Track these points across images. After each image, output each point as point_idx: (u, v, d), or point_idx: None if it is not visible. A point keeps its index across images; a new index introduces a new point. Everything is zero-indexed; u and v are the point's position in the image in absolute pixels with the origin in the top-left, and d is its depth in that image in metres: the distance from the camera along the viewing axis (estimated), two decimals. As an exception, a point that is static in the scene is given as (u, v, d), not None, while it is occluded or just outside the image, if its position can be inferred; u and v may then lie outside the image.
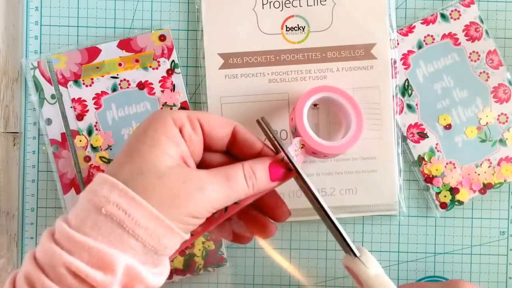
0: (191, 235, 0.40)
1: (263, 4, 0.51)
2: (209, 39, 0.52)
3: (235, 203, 0.40)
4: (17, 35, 0.53)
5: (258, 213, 0.44)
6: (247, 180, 0.39)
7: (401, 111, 0.52)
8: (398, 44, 0.52)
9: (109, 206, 0.35)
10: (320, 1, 0.52)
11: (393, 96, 0.51)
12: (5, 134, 0.54)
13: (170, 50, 0.52)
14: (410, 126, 0.52)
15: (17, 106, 0.53)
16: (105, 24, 0.53)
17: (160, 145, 0.37)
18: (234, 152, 0.42)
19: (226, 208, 0.41)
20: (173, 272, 0.52)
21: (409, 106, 0.52)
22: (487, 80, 0.52)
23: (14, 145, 0.54)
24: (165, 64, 0.52)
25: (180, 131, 0.39)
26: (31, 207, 0.53)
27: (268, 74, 0.51)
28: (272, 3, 0.52)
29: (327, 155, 0.47)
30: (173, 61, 0.52)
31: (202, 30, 0.52)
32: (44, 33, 0.53)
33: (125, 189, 0.36)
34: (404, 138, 0.52)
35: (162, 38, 0.52)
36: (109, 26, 0.52)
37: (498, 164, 0.52)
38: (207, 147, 0.41)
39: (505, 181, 0.52)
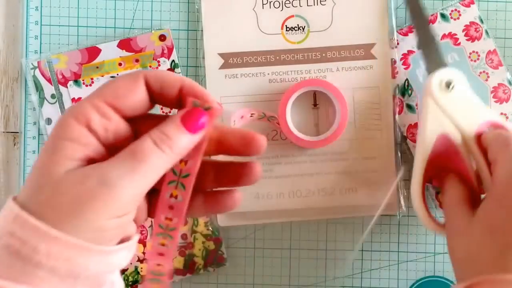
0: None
1: (263, 4, 0.52)
2: (209, 39, 0.52)
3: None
4: (17, 35, 0.53)
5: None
6: (159, 145, 0.32)
7: (401, 111, 0.52)
8: (398, 44, 0.52)
9: (5, 236, 0.30)
10: (320, 1, 0.52)
11: (393, 96, 0.51)
12: (5, 134, 0.54)
13: (170, 50, 0.52)
14: (410, 126, 0.52)
15: (17, 105, 0.53)
16: (105, 24, 0.53)
17: (60, 151, 0.32)
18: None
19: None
20: (173, 272, 0.52)
21: (409, 106, 0.52)
22: (486, 80, 0.52)
23: (14, 144, 0.54)
24: (165, 64, 0.52)
25: (89, 127, 0.33)
26: (31, 207, 0.52)
27: (268, 74, 0.52)
28: (272, 3, 0.52)
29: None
30: (173, 61, 0.52)
31: (202, 30, 0.52)
32: (44, 32, 0.53)
33: (19, 213, 0.30)
34: (404, 138, 0.52)
35: (162, 38, 0.52)
36: (109, 26, 0.53)
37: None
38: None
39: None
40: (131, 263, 0.52)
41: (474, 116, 0.47)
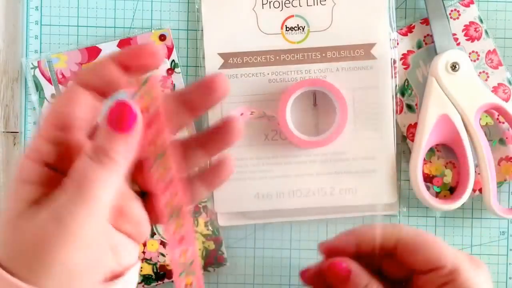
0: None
1: (263, 4, 0.52)
2: (209, 39, 0.52)
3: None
4: (17, 35, 0.53)
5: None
6: (97, 160, 0.29)
7: (400, 111, 0.52)
8: (397, 44, 0.52)
9: None
10: (320, 1, 0.52)
11: (392, 96, 0.51)
12: (5, 134, 0.54)
13: (170, 50, 0.52)
14: (409, 126, 0.52)
15: (17, 105, 0.53)
16: (105, 24, 0.53)
17: (13, 195, 0.31)
18: None
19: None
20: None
21: (409, 106, 0.52)
22: (486, 80, 0.52)
23: (14, 144, 0.54)
24: (165, 64, 0.52)
25: (40, 161, 0.31)
26: (31, 207, 0.52)
27: (268, 74, 0.51)
28: (272, 3, 0.52)
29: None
30: (173, 60, 0.52)
31: (202, 30, 0.52)
32: (44, 32, 0.53)
33: None
34: (404, 138, 0.52)
35: (162, 37, 0.52)
36: (109, 26, 0.52)
37: (498, 164, 0.52)
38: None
39: (505, 180, 0.52)
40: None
41: (475, 98, 0.50)
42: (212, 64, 0.51)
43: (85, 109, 0.32)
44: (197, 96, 0.33)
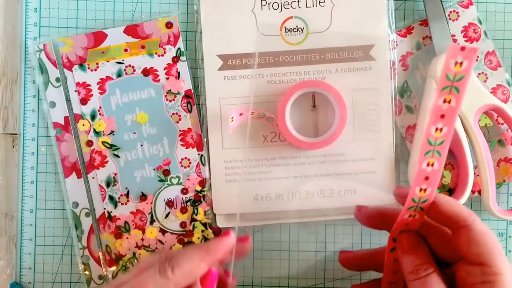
0: None
1: (262, 6, 0.52)
2: (208, 41, 0.52)
3: None
4: (15, 37, 0.53)
5: None
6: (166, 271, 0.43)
7: (400, 112, 0.52)
8: (396, 45, 0.52)
9: None
10: (319, 2, 0.52)
11: (391, 97, 0.51)
12: (4, 136, 0.54)
13: (177, 38, 0.52)
14: (409, 127, 0.52)
15: (16, 107, 0.53)
16: (104, 25, 0.53)
17: None
18: None
19: None
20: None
21: (408, 107, 0.52)
22: (485, 81, 0.52)
23: (13, 146, 0.54)
24: (171, 52, 0.52)
25: None
26: (30, 208, 0.53)
27: (267, 75, 0.51)
28: (271, 5, 0.52)
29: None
30: (179, 48, 0.52)
31: (201, 32, 0.52)
32: (43, 34, 0.53)
33: None
34: (403, 139, 0.52)
35: (168, 25, 0.52)
36: (110, 19, 0.52)
37: (497, 165, 0.52)
38: None
39: (504, 181, 0.52)
40: (129, 249, 0.52)
41: (474, 99, 0.49)
42: (211, 66, 0.51)
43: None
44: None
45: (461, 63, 0.36)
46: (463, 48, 0.36)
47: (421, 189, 0.40)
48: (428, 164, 0.39)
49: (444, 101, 0.37)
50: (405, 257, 0.43)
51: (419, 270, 0.41)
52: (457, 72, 0.37)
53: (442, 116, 0.38)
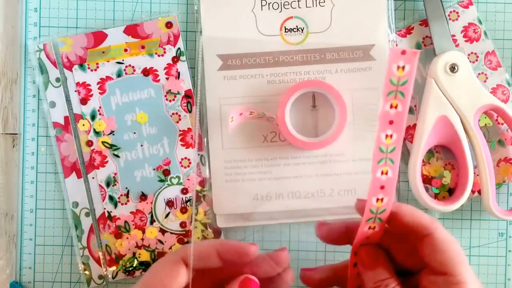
0: None
1: (261, 6, 0.52)
2: (208, 41, 0.52)
3: None
4: (16, 37, 0.53)
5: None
6: None
7: (400, 112, 0.52)
8: (396, 45, 0.52)
9: None
10: (319, 2, 0.52)
11: (391, 97, 0.51)
12: (4, 136, 0.54)
13: (176, 38, 0.52)
14: (408, 127, 0.52)
15: (16, 107, 0.53)
16: (104, 24, 0.53)
17: None
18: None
19: None
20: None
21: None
22: (485, 81, 0.52)
23: (13, 146, 0.54)
24: (171, 51, 0.52)
25: None
26: (30, 208, 0.53)
27: (267, 75, 0.51)
28: (270, 5, 0.52)
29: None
30: (179, 48, 0.52)
31: (200, 32, 0.52)
32: (43, 34, 0.53)
33: None
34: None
35: (168, 25, 0.52)
36: (110, 19, 0.52)
37: (497, 165, 0.52)
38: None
39: (504, 182, 0.52)
40: (129, 249, 0.52)
41: (474, 99, 0.50)
42: (211, 66, 0.51)
43: (181, 281, 0.42)
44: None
45: (403, 67, 0.36)
46: (403, 52, 0.35)
47: (377, 199, 0.39)
48: (382, 173, 0.38)
49: (391, 107, 0.36)
50: (366, 273, 0.42)
51: (379, 287, 0.41)
52: (400, 76, 0.36)
53: (391, 122, 0.37)
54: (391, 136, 0.37)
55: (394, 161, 0.38)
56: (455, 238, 0.41)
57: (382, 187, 0.39)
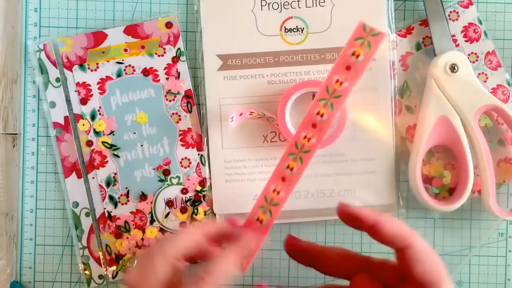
0: None
1: (261, 6, 0.52)
2: (208, 41, 0.52)
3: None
4: (16, 37, 0.53)
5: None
6: None
7: (399, 112, 0.52)
8: (396, 45, 0.52)
9: None
10: (319, 2, 0.52)
11: (391, 97, 0.51)
12: (4, 136, 0.54)
13: (176, 38, 0.52)
14: (409, 127, 0.52)
15: (16, 107, 0.53)
16: (104, 25, 0.53)
17: None
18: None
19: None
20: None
21: (408, 108, 0.52)
22: (485, 81, 0.52)
23: (14, 146, 0.54)
24: (171, 52, 0.52)
25: None
26: (30, 208, 0.53)
27: (267, 75, 0.51)
28: (270, 5, 0.52)
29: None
30: (178, 48, 0.52)
31: (201, 32, 0.52)
32: (43, 34, 0.53)
33: None
34: (403, 139, 0.52)
35: (168, 25, 0.52)
36: (110, 19, 0.53)
37: (497, 165, 0.52)
38: None
39: (504, 181, 0.52)
40: (129, 249, 0.52)
41: (474, 99, 0.50)
42: (211, 66, 0.51)
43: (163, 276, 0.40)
44: None
45: (341, 83, 0.35)
46: (348, 68, 0.35)
47: (274, 190, 0.40)
48: (288, 167, 0.38)
49: (318, 113, 0.36)
50: None
51: None
52: (336, 89, 0.36)
53: (314, 126, 0.37)
54: (309, 139, 0.38)
55: (304, 162, 0.39)
56: (433, 249, 0.41)
57: (283, 179, 0.39)
